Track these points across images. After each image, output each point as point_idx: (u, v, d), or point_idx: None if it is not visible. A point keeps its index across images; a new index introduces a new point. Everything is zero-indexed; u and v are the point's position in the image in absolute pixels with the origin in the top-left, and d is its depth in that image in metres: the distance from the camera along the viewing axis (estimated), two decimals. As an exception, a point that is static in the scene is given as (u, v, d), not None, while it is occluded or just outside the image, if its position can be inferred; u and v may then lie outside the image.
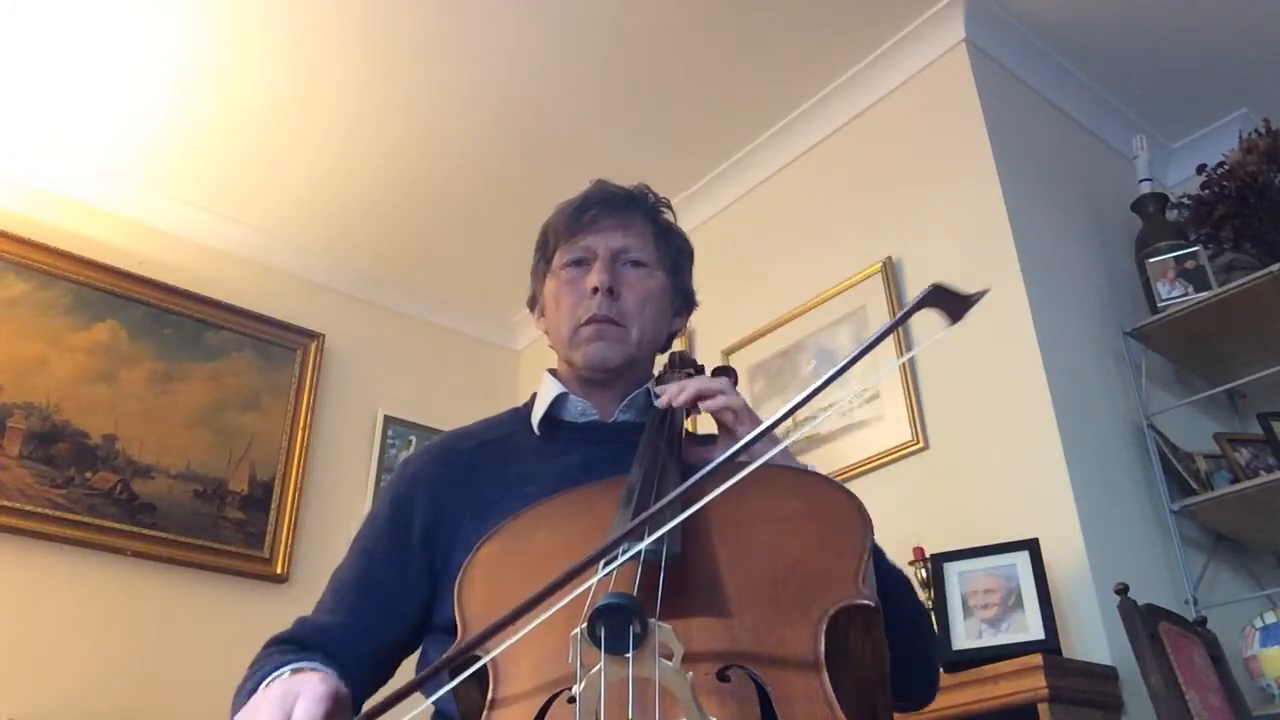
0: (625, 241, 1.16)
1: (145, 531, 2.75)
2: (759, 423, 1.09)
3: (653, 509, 0.71)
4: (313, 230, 3.26)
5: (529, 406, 1.21)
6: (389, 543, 1.09)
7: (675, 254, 1.22)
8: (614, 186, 1.21)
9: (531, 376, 3.61)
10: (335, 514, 3.09)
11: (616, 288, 1.13)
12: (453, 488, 1.11)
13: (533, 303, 1.26)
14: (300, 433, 3.13)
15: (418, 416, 3.39)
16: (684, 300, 1.24)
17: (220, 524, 2.89)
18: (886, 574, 1.03)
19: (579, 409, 1.16)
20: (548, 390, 1.17)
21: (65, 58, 2.58)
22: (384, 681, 1.05)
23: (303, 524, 3.02)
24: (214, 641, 2.68)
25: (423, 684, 0.72)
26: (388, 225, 3.24)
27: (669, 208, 1.24)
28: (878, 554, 1.01)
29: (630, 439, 1.03)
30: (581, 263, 1.16)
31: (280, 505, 3.01)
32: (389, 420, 3.36)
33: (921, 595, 2.02)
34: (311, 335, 3.29)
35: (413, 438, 3.35)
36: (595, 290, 1.12)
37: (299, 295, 3.33)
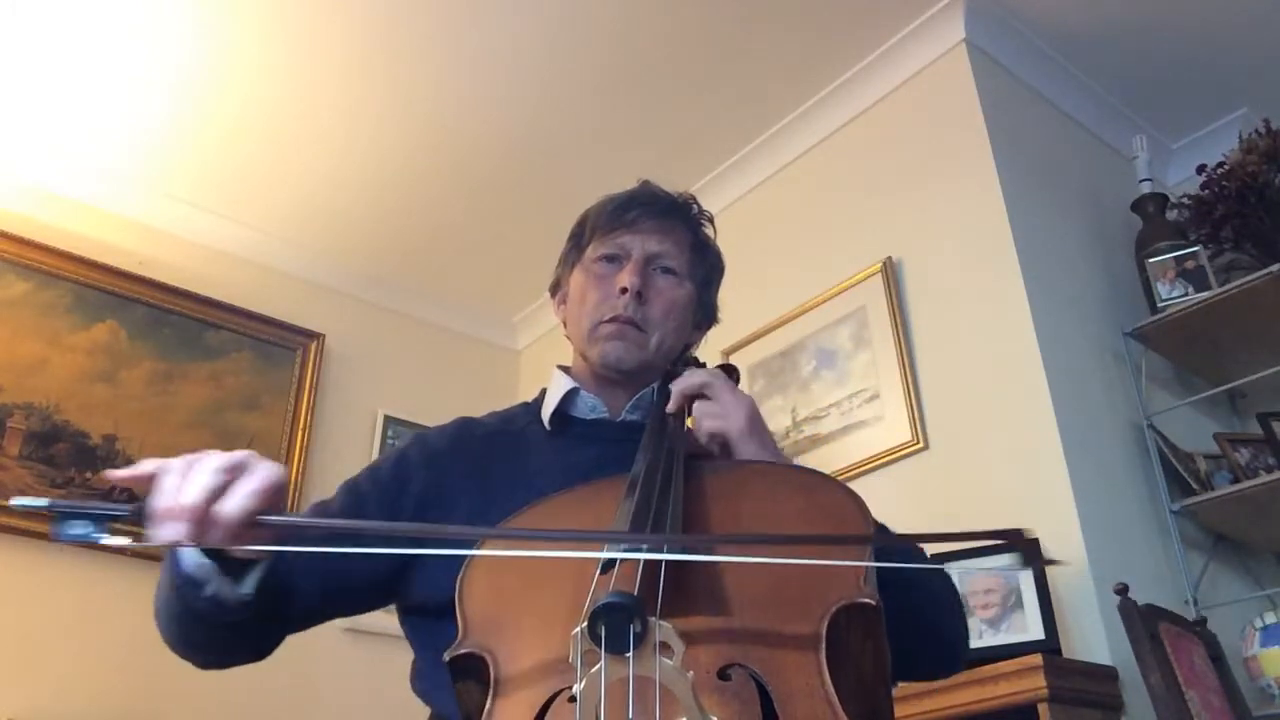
0: (661, 247, 1.16)
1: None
2: (734, 399, 1.07)
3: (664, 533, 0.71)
4: (313, 230, 3.26)
5: (539, 401, 1.21)
6: (381, 491, 1.09)
7: (708, 269, 1.22)
8: (660, 191, 1.21)
9: (531, 376, 3.61)
10: (335, 514, 3.09)
11: (645, 292, 1.13)
12: (460, 463, 1.11)
13: (555, 288, 1.25)
14: (300, 433, 3.13)
15: (418, 416, 3.39)
16: (706, 315, 1.24)
17: (220, 524, 2.89)
18: (904, 550, 1.02)
19: (589, 405, 1.16)
20: (559, 386, 1.17)
21: (66, 58, 2.58)
22: (321, 616, 1.04)
23: (303, 524, 3.01)
24: (214, 641, 2.67)
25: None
26: (388, 225, 3.24)
27: (710, 222, 1.25)
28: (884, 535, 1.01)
29: (637, 438, 1.03)
30: (614, 259, 1.16)
31: (280, 505, 3.01)
32: (389, 420, 3.36)
33: (921, 595, 2.02)
34: (311, 335, 3.29)
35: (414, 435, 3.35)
36: (624, 290, 1.12)
37: (299, 295, 3.33)
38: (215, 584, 0.86)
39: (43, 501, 0.70)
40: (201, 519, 0.74)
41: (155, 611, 0.96)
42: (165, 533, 0.74)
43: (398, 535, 1.01)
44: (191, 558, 0.85)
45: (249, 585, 0.87)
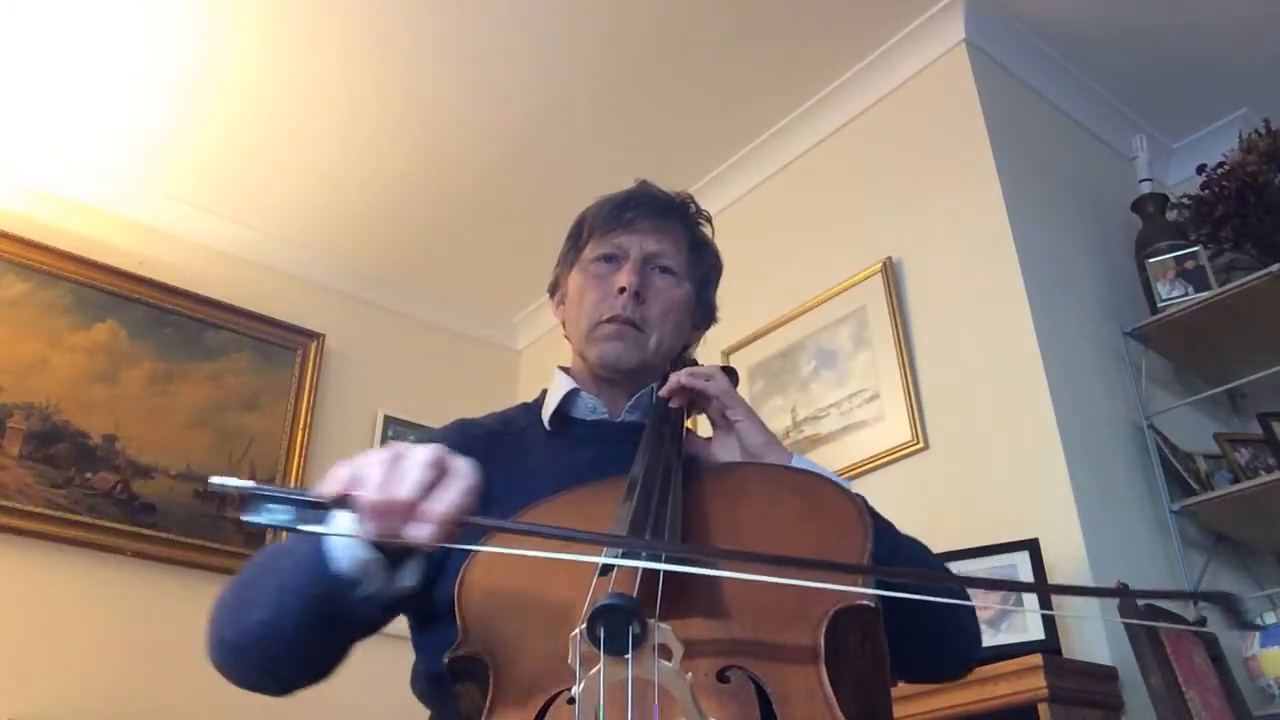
0: (659, 247, 1.16)
1: (145, 531, 2.75)
2: (749, 415, 1.10)
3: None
4: (313, 230, 3.26)
5: (539, 402, 1.21)
6: None
7: (706, 268, 1.22)
8: (657, 190, 1.21)
9: (531, 376, 3.61)
10: (335, 514, 3.09)
11: (643, 292, 1.13)
12: None
13: (553, 289, 1.25)
14: (300, 433, 3.13)
15: (418, 416, 3.39)
16: (704, 315, 1.24)
17: (220, 524, 2.89)
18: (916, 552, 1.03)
19: (589, 406, 1.16)
20: (559, 387, 1.17)
21: (66, 58, 2.58)
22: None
23: (303, 524, 3.01)
24: (214, 641, 2.67)
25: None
26: (388, 225, 3.24)
27: (709, 221, 1.25)
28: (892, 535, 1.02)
29: (637, 438, 1.03)
30: (612, 259, 1.16)
31: (280, 505, 3.01)
32: (389, 420, 3.36)
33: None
34: (311, 335, 3.29)
35: (412, 438, 3.33)
36: (622, 290, 1.12)
37: (299, 295, 3.33)
38: (375, 581, 0.81)
39: (246, 483, 0.68)
40: (409, 514, 0.72)
41: (232, 638, 0.88)
42: (383, 527, 0.71)
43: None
44: (350, 555, 0.80)
45: (409, 577, 0.84)
